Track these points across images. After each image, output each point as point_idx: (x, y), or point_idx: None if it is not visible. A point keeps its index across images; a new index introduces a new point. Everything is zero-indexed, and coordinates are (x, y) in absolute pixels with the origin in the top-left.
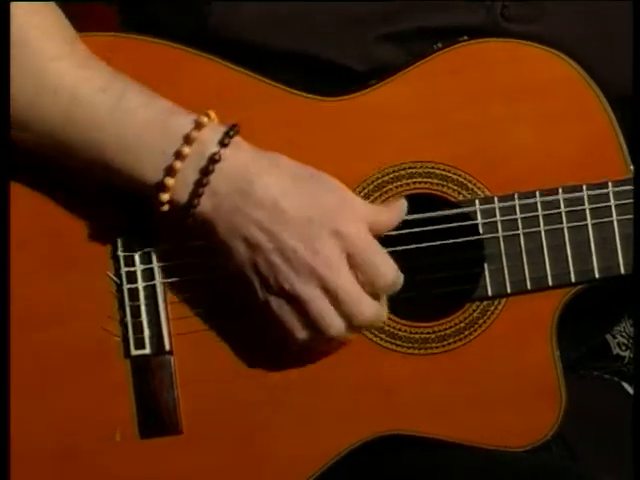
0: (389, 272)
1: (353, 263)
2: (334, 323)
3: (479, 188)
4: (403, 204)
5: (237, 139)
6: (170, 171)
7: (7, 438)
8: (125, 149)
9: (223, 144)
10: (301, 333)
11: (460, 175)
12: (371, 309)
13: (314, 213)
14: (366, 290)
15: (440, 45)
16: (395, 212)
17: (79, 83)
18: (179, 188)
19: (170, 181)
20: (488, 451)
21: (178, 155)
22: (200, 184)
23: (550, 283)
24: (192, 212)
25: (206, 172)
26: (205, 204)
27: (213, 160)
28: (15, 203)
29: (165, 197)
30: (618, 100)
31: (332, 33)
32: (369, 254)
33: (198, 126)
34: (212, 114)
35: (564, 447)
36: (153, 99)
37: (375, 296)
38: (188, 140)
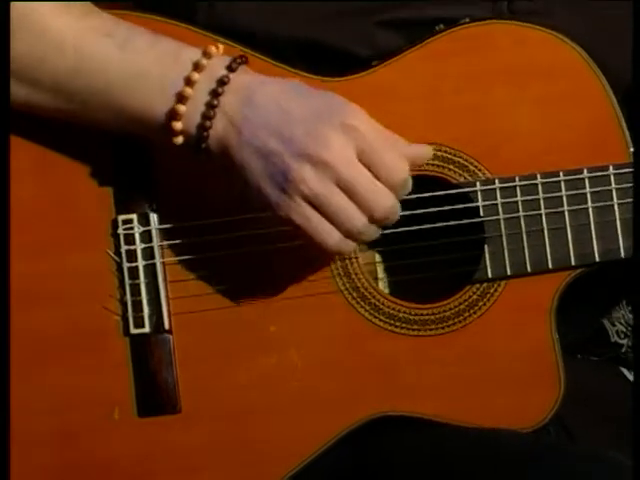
0: (401, 165)
1: (364, 155)
2: (354, 216)
3: (480, 170)
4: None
5: (244, 67)
6: (181, 98)
7: (8, 415)
8: (134, 87)
9: (231, 69)
10: (329, 236)
11: (461, 157)
12: (387, 199)
13: (320, 110)
14: (381, 182)
15: (442, 27)
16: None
17: (83, 33)
18: (191, 114)
19: (182, 108)
20: (483, 431)
21: (188, 81)
22: (211, 106)
23: (550, 266)
24: (206, 135)
25: (216, 94)
26: (217, 125)
27: (222, 82)
28: (17, 182)
29: (178, 125)
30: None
31: (334, 19)
32: (379, 146)
33: (207, 55)
34: (220, 47)
35: (562, 429)
36: (159, 39)
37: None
38: (197, 67)
